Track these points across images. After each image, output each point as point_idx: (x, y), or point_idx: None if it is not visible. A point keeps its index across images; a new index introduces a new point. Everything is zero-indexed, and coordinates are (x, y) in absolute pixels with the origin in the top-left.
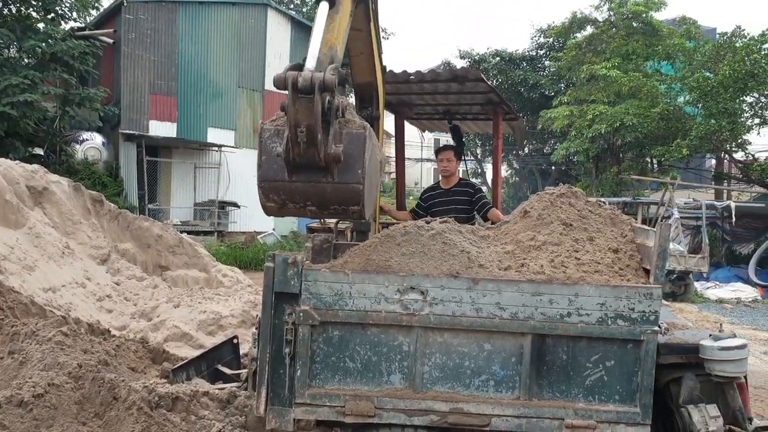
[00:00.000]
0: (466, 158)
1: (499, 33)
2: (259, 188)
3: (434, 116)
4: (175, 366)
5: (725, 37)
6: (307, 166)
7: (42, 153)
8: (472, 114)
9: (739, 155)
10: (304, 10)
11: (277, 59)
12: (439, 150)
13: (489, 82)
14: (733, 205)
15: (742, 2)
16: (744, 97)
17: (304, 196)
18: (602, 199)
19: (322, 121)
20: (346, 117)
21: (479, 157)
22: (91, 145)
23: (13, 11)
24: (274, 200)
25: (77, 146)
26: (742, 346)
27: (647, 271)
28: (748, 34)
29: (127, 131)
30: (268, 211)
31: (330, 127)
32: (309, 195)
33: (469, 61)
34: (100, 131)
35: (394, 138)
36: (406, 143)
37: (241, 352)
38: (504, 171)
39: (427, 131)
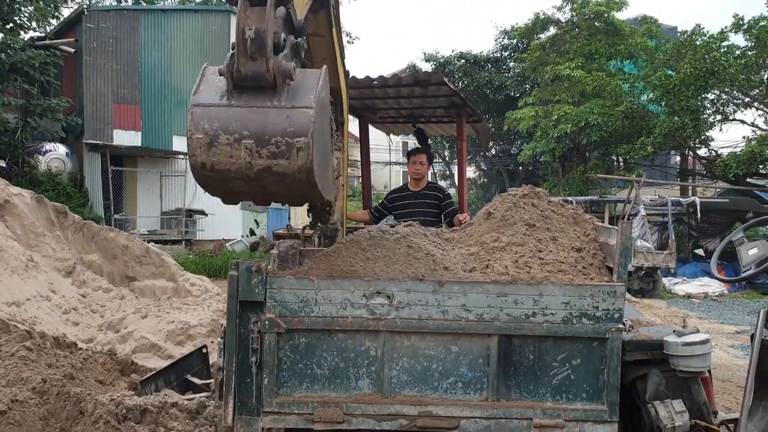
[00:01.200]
0: (435, 161)
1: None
2: (189, 115)
3: (398, 120)
4: (144, 377)
5: (686, 36)
6: (251, 87)
7: (4, 165)
8: (436, 117)
9: (702, 152)
10: None
11: None
12: (411, 152)
13: (454, 85)
14: (698, 201)
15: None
16: (705, 94)
17: (242, 125)
18: (569, 198)
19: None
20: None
21: (447, 159)
22: (54, 155)
23: None
24: (203, 130)
25: (40, 157)
26: (705, 341)
27: (611, 269)
28: (708, 32)
29: (91, 141)
30: (193, 151)
31: (283, 45)
32: (248, 123)
33: (435, 64)
34: (64, 142)
35: (359, 142)
36: (374, 147)
37: (211, 361)
38: (472, 172)
39: (392, 134)
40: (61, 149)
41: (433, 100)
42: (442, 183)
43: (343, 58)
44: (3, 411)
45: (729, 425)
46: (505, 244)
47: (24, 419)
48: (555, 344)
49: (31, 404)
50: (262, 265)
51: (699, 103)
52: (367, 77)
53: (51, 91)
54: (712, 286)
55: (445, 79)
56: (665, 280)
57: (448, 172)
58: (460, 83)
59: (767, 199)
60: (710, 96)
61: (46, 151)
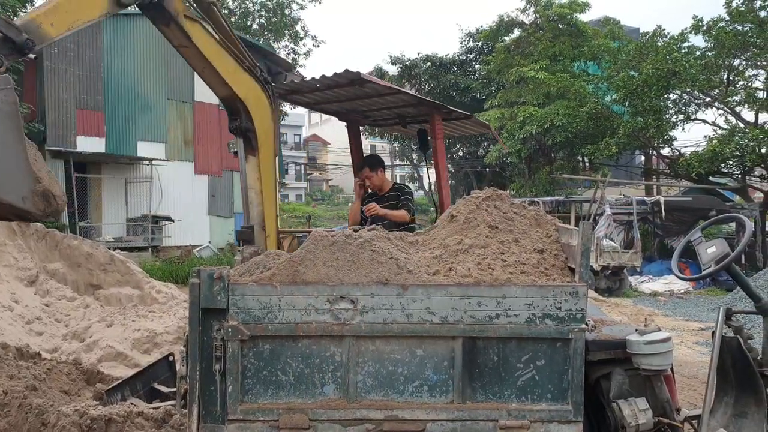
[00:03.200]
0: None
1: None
2: None
3: (388, 121)
4: (109, 387)
5: (647, 37)
6: None
7: None
8: (411, 116)
9: (665, 151)
10: (233, 20)
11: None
12: (356, 173)
13: (420, 88)
14: (662, 199)
15: (662, 1)
16: (668, 94)
17: None
18: (536, 199)
19: None
20: None
21: (414, 161)
22: None
23: None
24: None
25: None
26: (666, 339)
27: (573, 270)
28: (669, 34)
29: (54, 148)
30: None
31: None
32: None
33: (401, 67)
34: None
35: (349, 145)
36: (342, 149)
37: (178, 368)
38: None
39: (388, 135)
40: None
41: (396, 99)
42: (410, 185)
43: (243, 63)
44: None
45: (693, 421)
46: (468, 247)
47: None
48: (519, 345)
49: None
50: (224, 272)
51: (661, 104)
52: (313, 79)
53: None
54: (677, 284)
55: (366, 76)
56: (631, 279)
57: (416, 174)
58: (426, 86)
59: (729, 197)
60: (672, 96)
61: None
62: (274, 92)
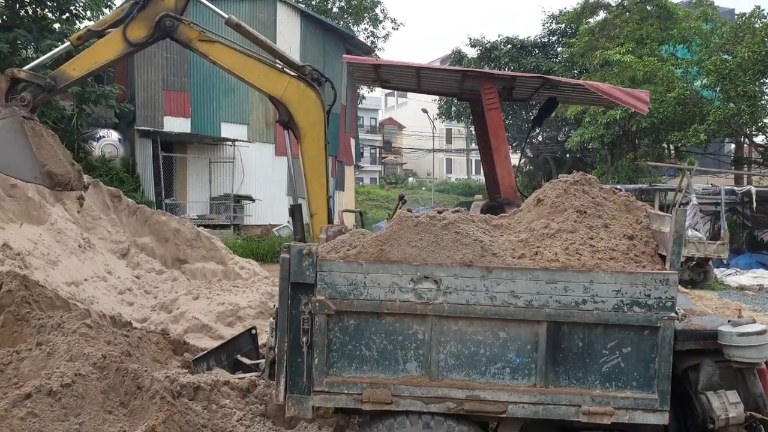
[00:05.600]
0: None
1: (510, 20)
2: None
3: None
4: (196, 356)
5: (744, 18)
6: None
7: None
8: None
9: (759, 139)
10: (314, 2)
11: (287, 53)
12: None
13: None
14: (753, 190)
15: None
16: (764, 79)
17: None
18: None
19: None
20: None
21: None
22: (107, 142)
23: (30, 12)
24: None
25: (94, 143)
26: (762, 332)
27: (663, 258)
28: None
29: (143, 128)
30: None
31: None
32: None
33: (480, 49)
34: (116, 128)
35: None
36: (418, 134)
37: (260, 342)
38: (517, 160)
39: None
40: (114, 135)
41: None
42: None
43: (278, 66)
44: (68, 384)
45: None
46: (555, 231)
47: (86, 392)
48: (605, 332)
49: (93, 378)
50: (313, 248)
51: (757, 89)
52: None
53: (104, 79)
54: (766, 277)
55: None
56: (717, 271)
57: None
58: (506, 69)
59: None
60: None
61: (100, 138)
62: (322, 86)
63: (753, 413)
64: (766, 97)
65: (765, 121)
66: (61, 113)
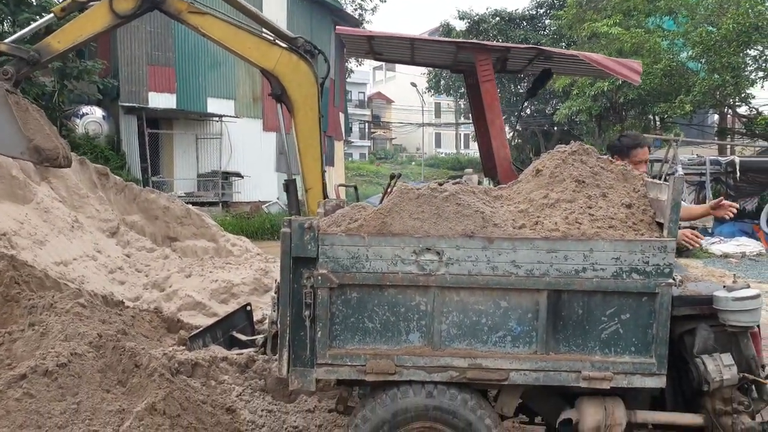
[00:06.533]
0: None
1: None
2: None
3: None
4: (192, 333)
5: None
6: None
7: None
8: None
9: (742, 110)
10: None
11: (278, 25)
12: (636, 146)
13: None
14: (737, 160)
15: None
16: (748, 50)
17: None
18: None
19: None
20: None
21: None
22: (91, 119)
23: None
24: None
25: (77, 120)
26: (756, 296)
27: (660, 225)
28: None
29: (127, 104)
30: None
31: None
32: None
33: (469, 22)
34: (100, 104)
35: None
36: (407, 108)
37: (255, 318)
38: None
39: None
40: (97, 112)
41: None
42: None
43: (268, 38)
44: (64, 363)
45: None
46: (554, 201)
47: (83, 371)
48: (604, 299)
49: (89, 357)
50: (314, 222)
51: (740, 60)
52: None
53: (86, 54)
54: (749, 245)
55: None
56: (702, 240)
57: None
58: (494, 41)
59: None
60: (752, 52)
61: (83, 114)
62: (314, 58)
63: (746, 375)
64: (749, 68)
65: (748, 91)
66: (41, 89)
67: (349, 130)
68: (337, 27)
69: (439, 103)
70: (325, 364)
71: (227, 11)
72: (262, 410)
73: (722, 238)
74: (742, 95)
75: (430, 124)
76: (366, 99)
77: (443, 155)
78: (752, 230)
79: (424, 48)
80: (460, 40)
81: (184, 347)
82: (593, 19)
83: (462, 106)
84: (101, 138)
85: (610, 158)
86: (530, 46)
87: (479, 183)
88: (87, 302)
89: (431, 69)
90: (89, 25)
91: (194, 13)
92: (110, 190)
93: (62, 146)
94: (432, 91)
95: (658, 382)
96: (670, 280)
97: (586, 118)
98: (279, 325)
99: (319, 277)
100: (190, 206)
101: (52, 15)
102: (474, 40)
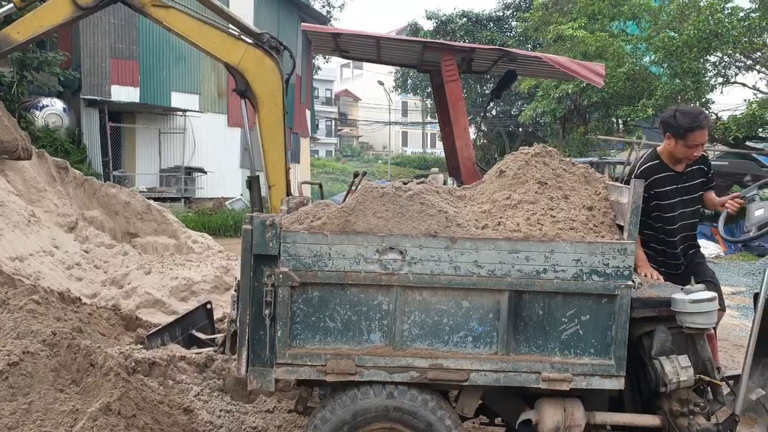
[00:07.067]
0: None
1: None
2: None
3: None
4: (150, 332)
5: None
6: None
7: None
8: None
9: None
10: None
11: (244, 21)
12: (691, 128)
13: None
14: None
15: None
16: (708, 56)
17: None
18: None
19: None
20: None
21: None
22: (51, 111)
23: None
24: None
25: (37, 113)
26: (712, 299)
27: (621, 228)
28: None
29: (89, 96)
30: None
31: None
32: None
33: (436, 22)
34: (61, 97)
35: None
36: (373, 106)
37: (215, 317)
38: (471, 133)
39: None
40: (58, 104)
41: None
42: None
43: (234, 33)
44: (15, 362)
45: (730, 381)
46: (517, 202)
47: (36, 370)
48: (565, 300)
49: (42, 356)
50: (276, 219)
51: (701, 66)
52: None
53: (47, 45)
54: (708, 247)
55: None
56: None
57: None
58: (461, 42)
59: (765, 162)
60: (712, 58)
61: (43, 107)
62: (280, 53)
63: (702, 376)
64: (709, 73)
65: (708, 96)
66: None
67: (315, 127)
68: (302, 24)
69: (407, 101)
70: (285, 364)
71: (194, 6)
72: (221, 410)
73: None
74: (703, 100)
75: (397, 123)
76: (333, 96)
77: (410, 154)
78: (711, 233)
79: (390, 47)
80: (426, 39)
81: (141, 346)
82: (559, 21)
83: (429, 105)
84: (62, 131)
85: (667, 134)
86: (495, 47)
87: (445, 182)
88: (42, 299)
89: (399, 68)
90: (50, 16)
91: (158, 6)
92: (69, 185)
93: (21, 138)
94: (399, 89)
95: (617, 383)
96: (630, 282)
97: (550, 120)
98: (238, 324)
99: (281, 276)
100: (151, 202)
101: (11, 5)
102: (440, 40)
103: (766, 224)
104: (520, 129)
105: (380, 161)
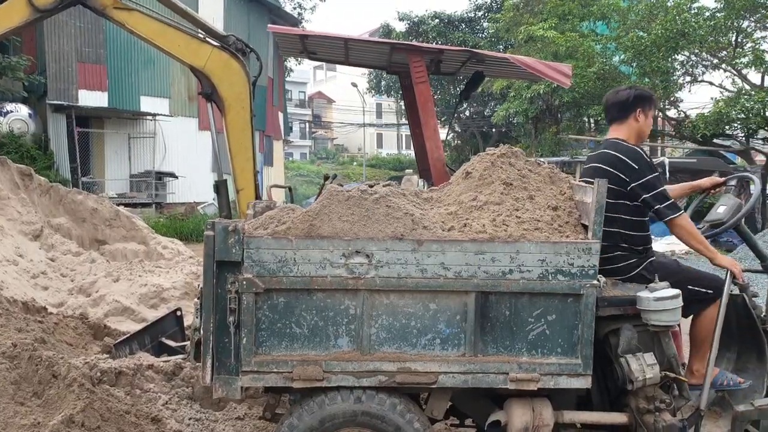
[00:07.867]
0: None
1: None
2: None
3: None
4: (118, 340)
5: None
6: None
7: None
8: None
9: (671, 113)
10: None
11: (210, 23)
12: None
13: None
14: (666, 161)
15: None
16: (675, 55)
17: None
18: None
19: None
20: None
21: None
22: (16, 116)
23: None
24: None
25: (1, 119)
26: (676, 296)
27: (586, 227)
28: None
29: (55, 102)
30: None
31: None
32: None
33: (409, 24)
34: (26, 102)
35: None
36: (347, 108)
37: (186, 323)
38: (444, 134)
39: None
40: (23, 110)
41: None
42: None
43: (199, 36)
44: None
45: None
46: (482, 203)
47: None
48: (531, 300)
49: (2, 369)
50: (239, 224)
51: (669, 65)
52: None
53: (10, 49)
54: (679, 244)
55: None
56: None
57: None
58: (434, 43)
59: (732, 159)
60: (680, 57)
61: (7, 112)
62: (247, 56)
63: (667, 373)
64: (677, 72)
65: (676, 95)
66: None
67: (289, 130)
68: (269, 25)
69: (381, 103)
70: (251, 372)
71: (160, 10)
72: (190, 419)
73: (653, 236)
74: (671, 99)
75: (371, 125)
76: (306, 98)
77: (385, 156)
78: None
79: (357, 48)
80: (394, 41)
81: (108, 355)
82: (530, 22)
83: (403, 107)
84: (27, 137)
85: (641, 110)
86: (463, 48)
87: (419, 184)
88: (3, 310)
89: (372, 69)
90: (6, 19)
91: (120, 9)
92: (34, 192)
93: None
94: (373, 91)
95: (584, 382)
96: (595, 281)
97: (522, 120)
98: (202, 332)
99: (244, 282)
100: (119, 208)
101: None
102: (407, 42)
103: (719, 224)
104: (494, 129)
105: (355, 163)
